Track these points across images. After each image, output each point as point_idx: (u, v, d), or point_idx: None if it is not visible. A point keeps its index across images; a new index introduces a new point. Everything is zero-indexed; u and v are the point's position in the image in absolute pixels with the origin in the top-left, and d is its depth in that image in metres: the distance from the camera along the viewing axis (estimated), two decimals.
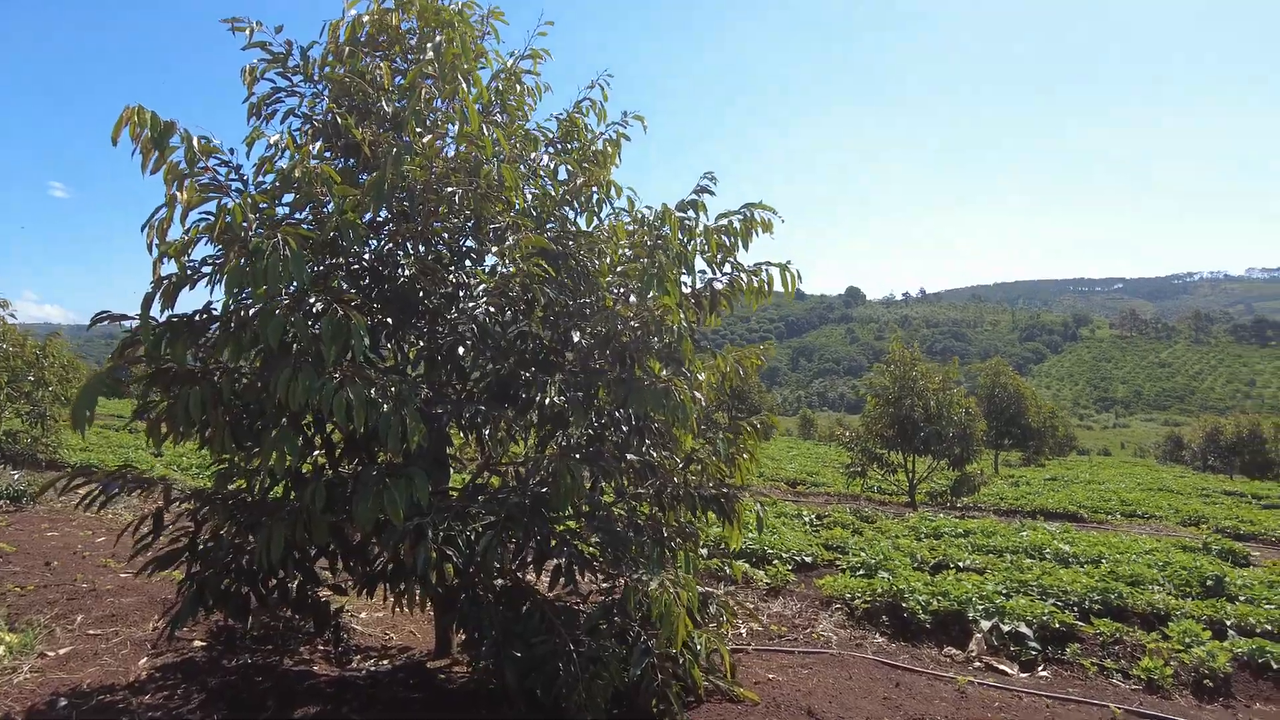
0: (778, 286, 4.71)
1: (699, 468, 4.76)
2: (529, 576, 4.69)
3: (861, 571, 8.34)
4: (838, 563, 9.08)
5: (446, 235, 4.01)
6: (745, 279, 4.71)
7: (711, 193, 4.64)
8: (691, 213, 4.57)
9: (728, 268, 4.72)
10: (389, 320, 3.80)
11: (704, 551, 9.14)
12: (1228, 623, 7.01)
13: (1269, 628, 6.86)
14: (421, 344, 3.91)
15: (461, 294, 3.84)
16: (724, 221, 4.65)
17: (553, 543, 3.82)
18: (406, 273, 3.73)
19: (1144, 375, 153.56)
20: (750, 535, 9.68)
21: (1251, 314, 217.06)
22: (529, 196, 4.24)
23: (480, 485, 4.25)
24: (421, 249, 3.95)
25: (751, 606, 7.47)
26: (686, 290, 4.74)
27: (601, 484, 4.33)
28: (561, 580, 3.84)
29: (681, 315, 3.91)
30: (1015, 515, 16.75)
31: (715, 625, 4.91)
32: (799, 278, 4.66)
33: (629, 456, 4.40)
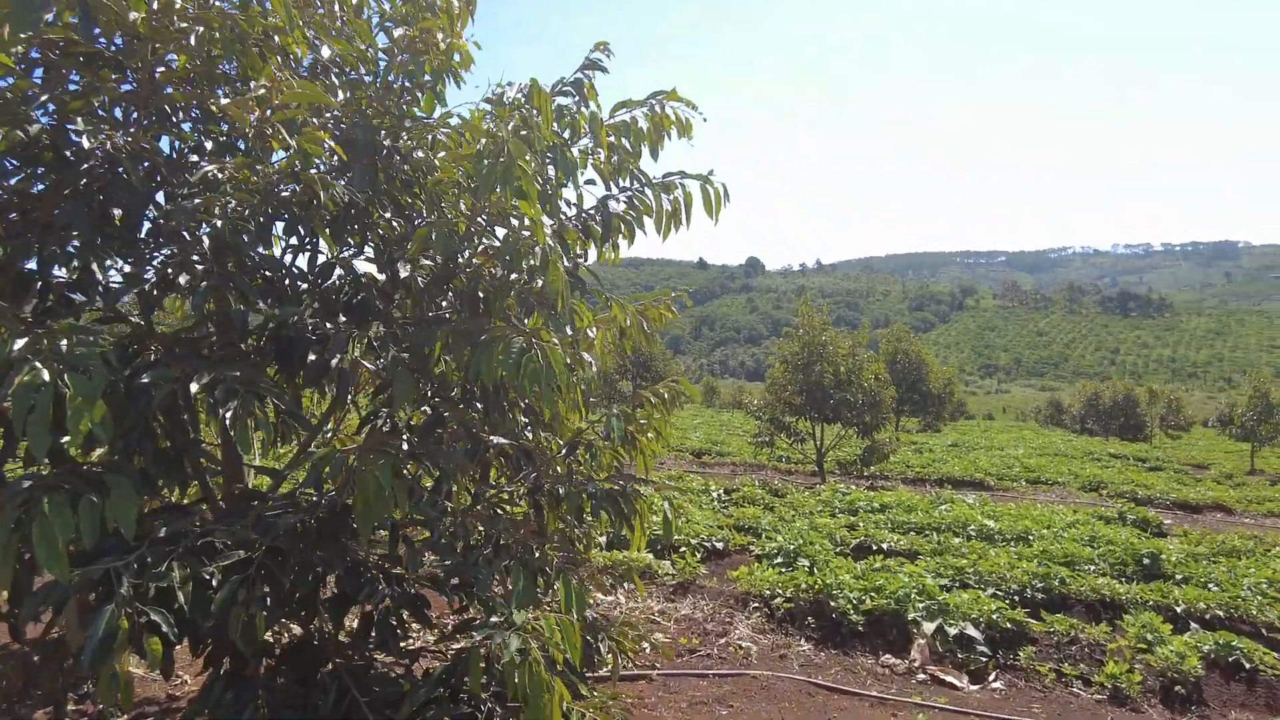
0: (698, 207, 3.44)
1: (588, 454, 3.49)
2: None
3: (779, 559, 7.33)
4: (751, 548, 8.07)
5: (177, 101, 2.53)
6: (652, 197, 3.42)
7: (603, 69, 3.33)
8: (573, 99, 3.25)
9: (627, 181, 3.41)
10: (76, 233, 2.32)
11: (602, 541, 7.97)
12: (1178, 608, 6.36)
13: (1221, 614, 6.24)
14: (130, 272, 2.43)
15: (183, 192, 2.38)
16: (623, 116, 3.34)
17: (361, 580, 2.48)
18: (98, 152, 2.25)
19: (1024, 344, 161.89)
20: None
21: (1116, 286, 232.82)
22: (326, 53, 2.80)
23: (252, 494, 2.84)
24: (134, 116, 2.48)
25: (657, 609, 6.33)
26: (569, 212, 3.42)
27: (449, 485, 2.99)
28: (373, 634, 2.51)
29: (548, 232, 2.58)
30: (923, 484, 16.37)
31: (609, 675, 3.69)
32: (726, 195, 3.42)
33: (495, 440, 3.11)
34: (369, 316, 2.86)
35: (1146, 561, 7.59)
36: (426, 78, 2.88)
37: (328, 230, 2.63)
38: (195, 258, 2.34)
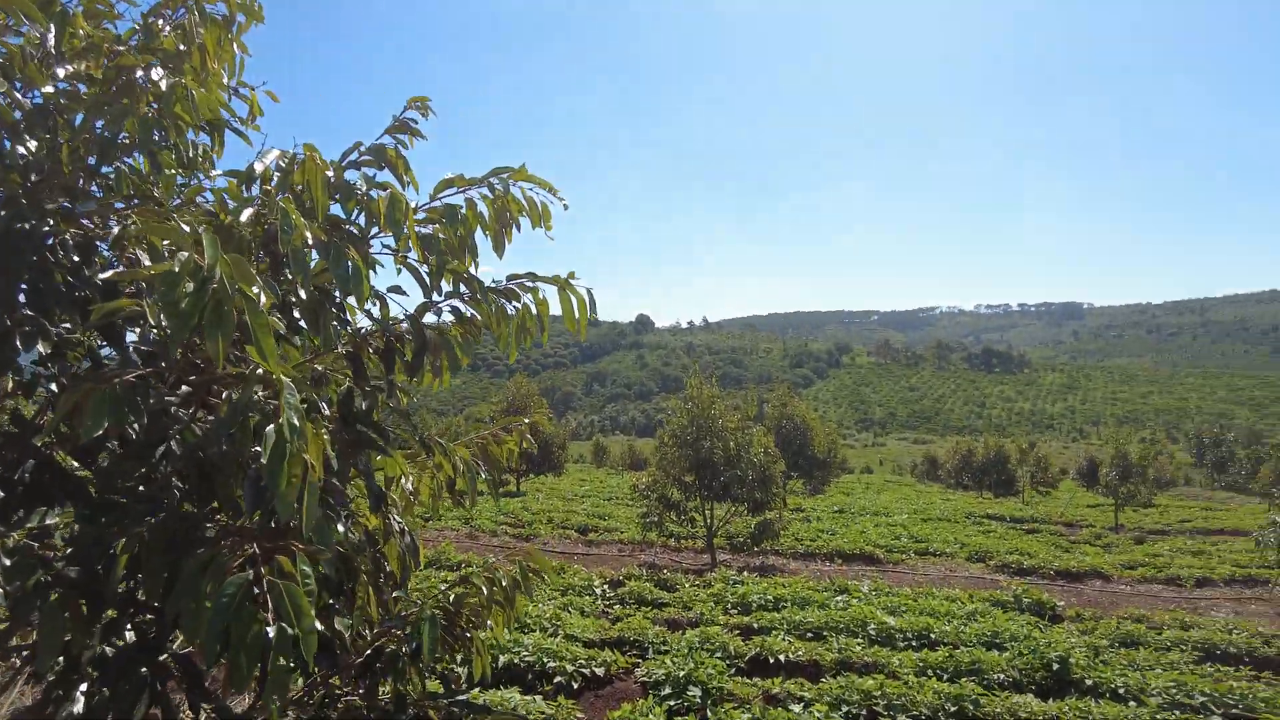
0: (555, 310, 2.56)
1: (397, 664, 2.47)
2: None
3: (667, 689, 6.39)
4: (637, 671, 7.09)
5: None
6: (495, 305, 2.51)
7: (419, 134, 2.44)
8: (373, 172, 2.34)
9: (451, 284, 2.49)
10: None
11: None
12: None
13: None
14: None
15: None
16: (452, 198, 2.44)
17: None
18: None
19: (897, 399, 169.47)
20: (531, 637, 7.48)
21: (980, 344, 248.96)
22: None
23: None
24: None
25: None
26: (366, 322, 2.46)
27: None
28: None
29: (292, 400, 1.62)
30: (815, 559, 15.89)
31: None
32: (592, 303, 2.58)
33: None
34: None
35: (1056, 666, 7.11)
36: (124, 137, 1.90)
37: None
38: None
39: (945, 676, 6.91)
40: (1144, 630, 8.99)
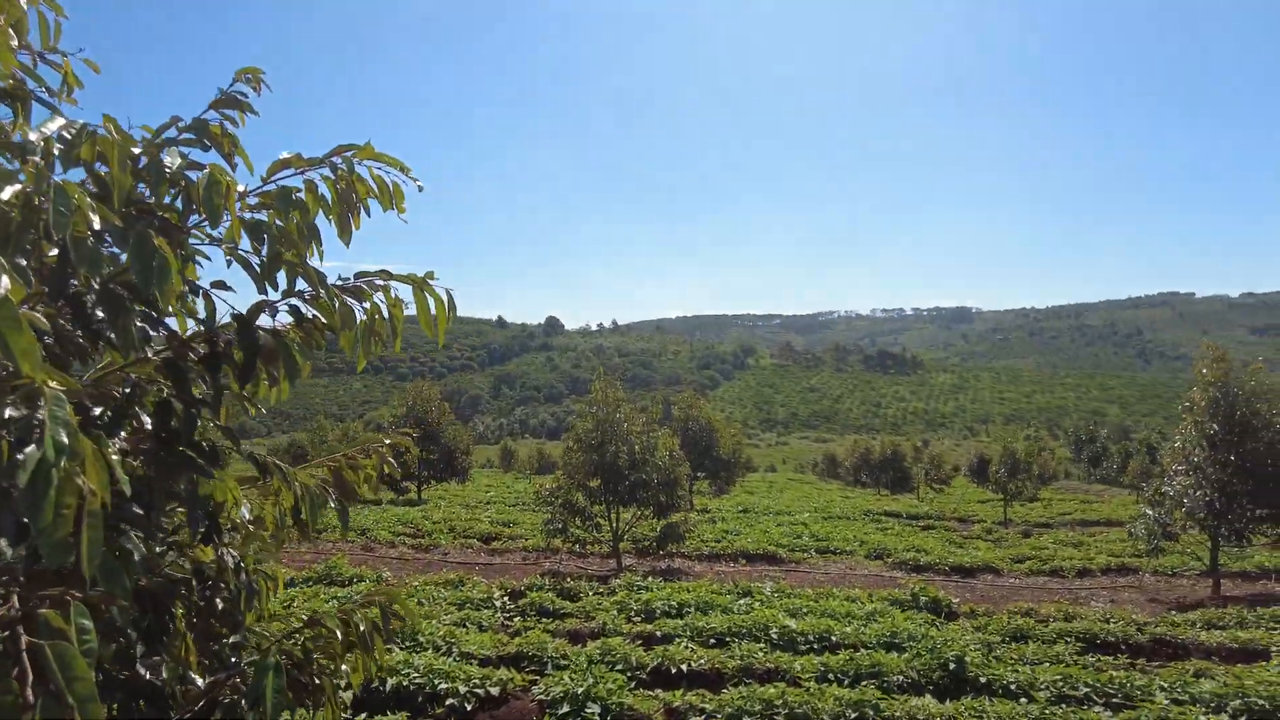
0: (411, 313, 2.27)
1: None
2: None
3: (565, 708, 6.13)
4: (535, 688, 6.80)
5: None
6: (339, 304, 2.20)
7: (250, 109, 2.12)
8: (197, 154, 2.00)
9: (287, 280, 2.17)
10: None
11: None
12: None
13: None
14: None
15: None
16: (289, 179, 2.12)
17: None
18: None
19: (799, 399, 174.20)
20: (423, 656, 7.07)
21: (875, 347, 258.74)
22: None
23: None
24: None
25: None
26: (193, 325, 2.12)
27: None
28: None
29: (60, 413, 1.30)
30: (720, 560, 15.93)
31: None
32: (452, 305, 2.30)
33: None
34: None
35: (952, 666, 7.20)
36: None
37: None
38: None
39: (846, 681, 6.91)
40: (1032, 624, 9.31)
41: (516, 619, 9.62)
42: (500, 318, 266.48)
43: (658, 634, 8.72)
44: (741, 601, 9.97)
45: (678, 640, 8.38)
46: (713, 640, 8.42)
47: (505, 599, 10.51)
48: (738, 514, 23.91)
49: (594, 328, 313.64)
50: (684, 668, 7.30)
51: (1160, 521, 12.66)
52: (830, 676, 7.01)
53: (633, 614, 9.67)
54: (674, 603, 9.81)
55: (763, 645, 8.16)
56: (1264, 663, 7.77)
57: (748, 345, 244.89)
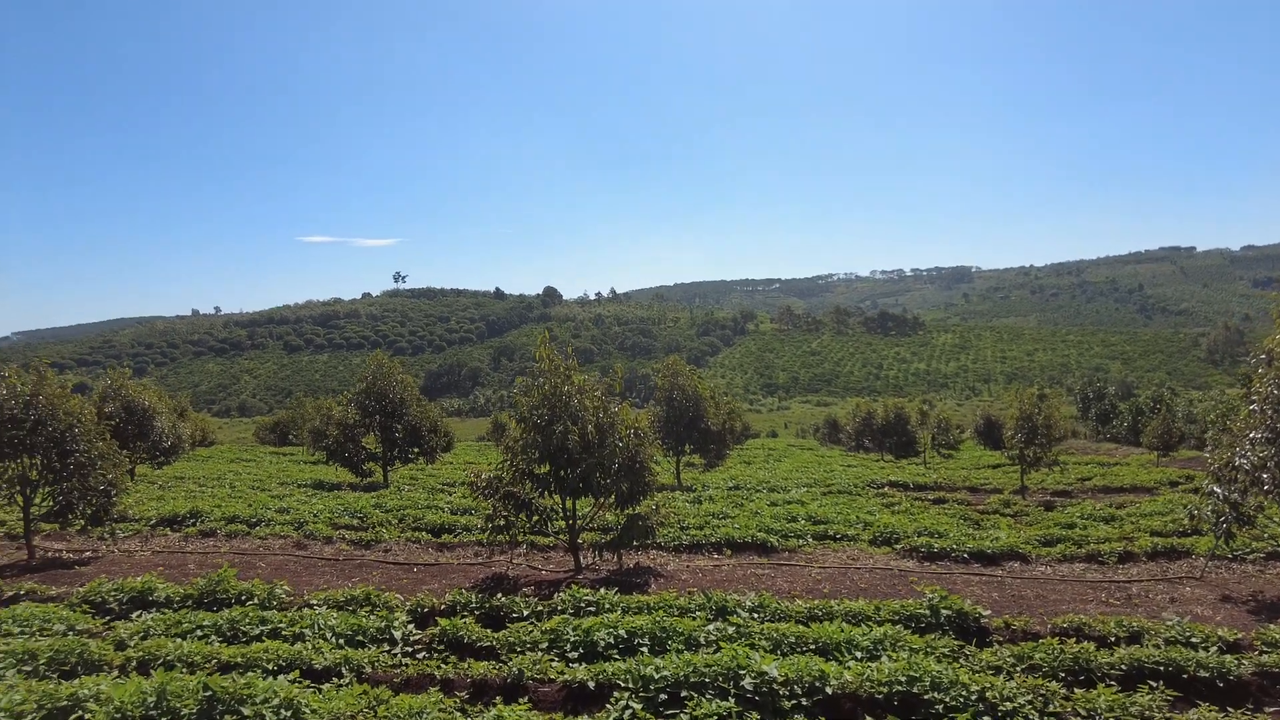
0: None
1: None
2: None
3: None
4: None
5: None
6: None
7: None
8: None
9: None
10: None
11: None
12: None
13: None
14: None
15: None
16: None
17: None
18: None
19: (799, 363, 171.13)
20: None
21: (876, 309, 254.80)
22: None
23: None
24: None
25: None
26: None
27: None
28: None
29: None
30: (700, 551, 13.64)
31: None
32: None
33: None
34: None
35: None
36: None
37: None
38: None
39: None
40: (1092, 651, 7.00)
41: (410, 662, 7.32)
42: (498, 289, 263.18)
43: (590, 685, 6.44)
44: (712, 627, 7.65)
45: (616, 697, 6.10)
46: (663, 696, 6.12)
47: (411, 627, 8.23)
48: (728, 491, 21.61)
49: (592, 297, 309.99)
50: None
51: (1230, 501, 10.32)
52: None
53: (567, 648, 7.39)
54: (622, 632, 7.50)
55: (731, 702, 5.87)
56: None
57: (748, 311, 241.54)
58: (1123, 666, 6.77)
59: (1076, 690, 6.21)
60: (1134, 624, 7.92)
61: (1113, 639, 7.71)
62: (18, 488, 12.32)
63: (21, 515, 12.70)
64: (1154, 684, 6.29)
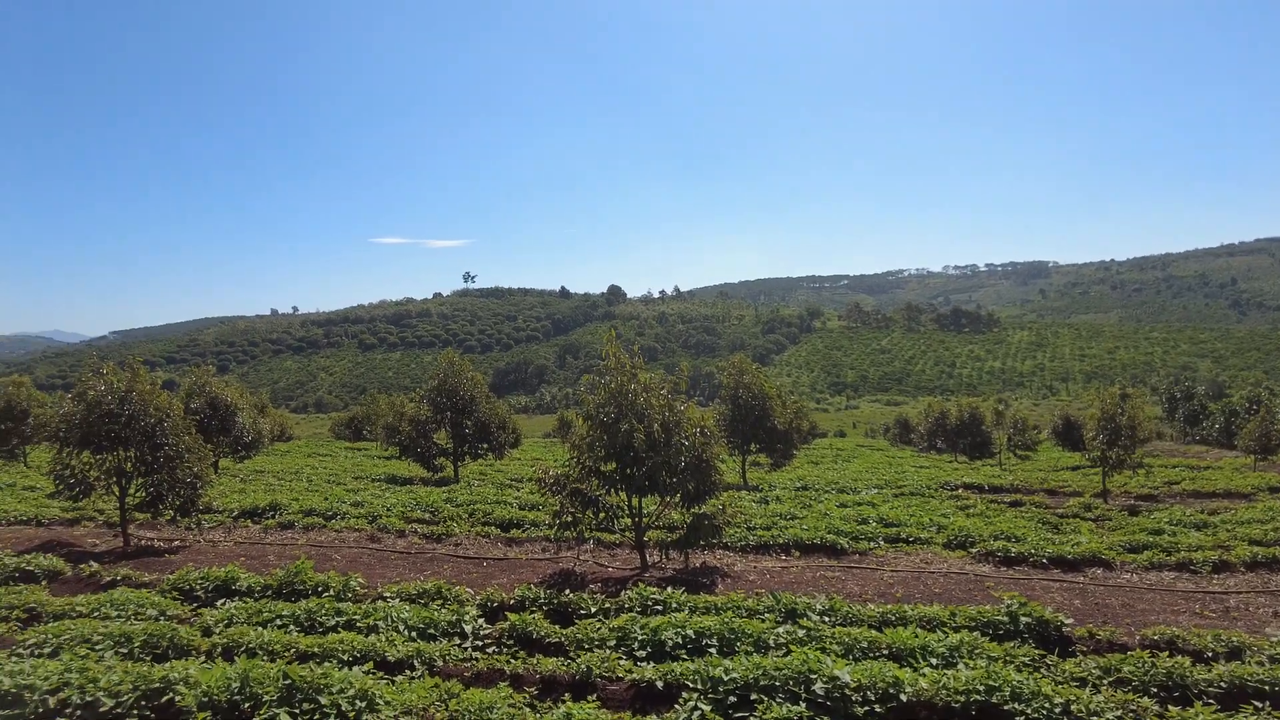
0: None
1: None
2: None
3: None
4: None
5: None
6: None
7: None
8: None
9: None
10: None
11: None
12: None
13: None
14: None
15: None
16: None
17: None
18: None
19: (869, 361, 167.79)
20: None
21: (949, 305, 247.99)
22: None
23: None
24: None
25: None
26: None
27: None
28: None
29: None
30: (768, 552, 13.49)
31: None
32: None
33: None
34: None
35: None
36: None
37: None
38: None
39: None
40: (1188, 666, 6.63)
41: (481, 656, 7.43)
42: (563, 288, 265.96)
43: (658, 685, 6.42)
44: (781, 629, 7.54)
45: (684, 697, 6.06)
46: (733, 698, 6.05)
47: (480, 621, 8.35)
48: (795, 491, 21.33)
49: (656, 295, 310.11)
50: None
51: None
52: None
53: (635, 646, 7.38)
54: (690, 632, 7.45)
55: (803, 707, 5.77)
56: None
57: (814, 307, 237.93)
58: (1222, 684, 6.38)
59: (1171, 708, 5.88)
60: (1234, 639, 7.47)
61: (1209, 654, 7.29)
62: (114, 479, 13.00)
63: (118, 505, 13.39)
64: (1258, 704, 5.92)
